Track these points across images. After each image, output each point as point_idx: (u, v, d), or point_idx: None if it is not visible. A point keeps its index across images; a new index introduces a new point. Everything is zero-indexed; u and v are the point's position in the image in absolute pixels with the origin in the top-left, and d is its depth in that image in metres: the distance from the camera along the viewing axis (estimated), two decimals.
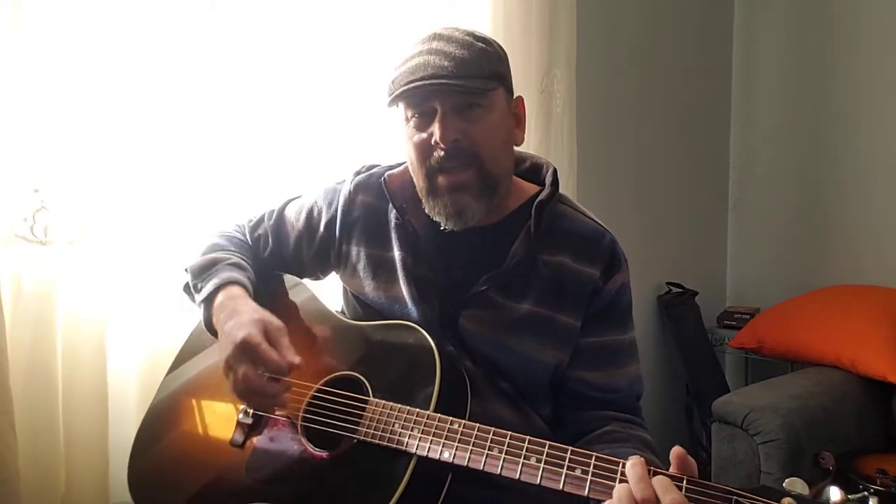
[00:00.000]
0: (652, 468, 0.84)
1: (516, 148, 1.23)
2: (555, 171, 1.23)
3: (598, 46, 2.48)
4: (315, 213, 1.30)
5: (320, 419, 1.10)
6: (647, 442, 1.12)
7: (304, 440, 1.09)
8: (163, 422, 1.22)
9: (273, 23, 1.72)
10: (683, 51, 2.88)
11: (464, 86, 1.07)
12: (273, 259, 1.34)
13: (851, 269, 2.71)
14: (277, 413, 1.13)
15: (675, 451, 0.85)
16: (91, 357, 1.45)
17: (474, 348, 1.15)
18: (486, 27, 1.96)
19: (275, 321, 1.11)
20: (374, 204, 1.25)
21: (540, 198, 1.18)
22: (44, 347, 1.40)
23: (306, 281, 1.35)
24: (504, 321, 1.15)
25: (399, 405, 1.04)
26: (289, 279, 1.33)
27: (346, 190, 1.27)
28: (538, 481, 0.91)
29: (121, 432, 1.44)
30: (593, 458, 0.89)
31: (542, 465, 0.91)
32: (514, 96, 1.20)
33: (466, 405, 1.06)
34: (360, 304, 1.27)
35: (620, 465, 0.87)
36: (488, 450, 0.95)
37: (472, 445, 0.96)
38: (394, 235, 1.21)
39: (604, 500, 0.86)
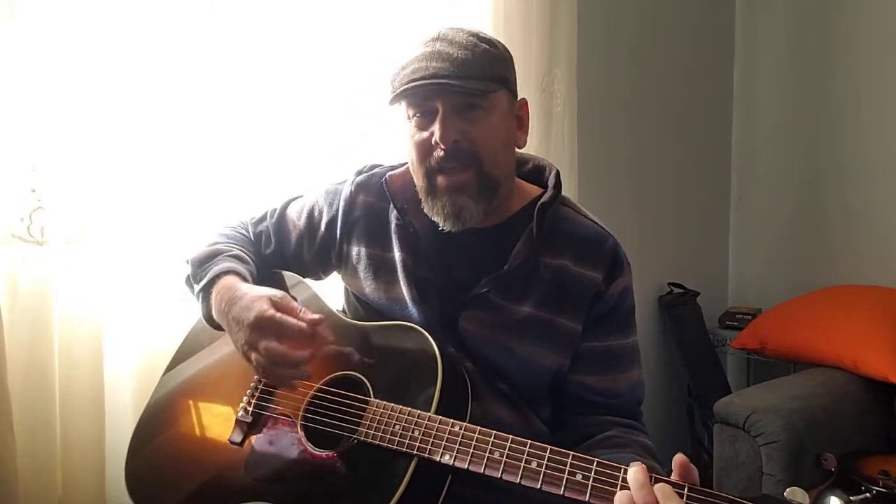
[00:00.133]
0: (654, 475, 0.83)
1: (518, 149, 1.23)
2: (557, 174, 1.23)
3: (598, 46, 2.47)
4: (316, 213, 1.30)
5: (320, 419, 1.09)
6: (648, 448, 1.11)
7: (303, 439, 1.09)
8: (160, 420, 1.22)
9: (273, 22, 1.72)
10: (684, 50, 2.87)
11: (464, 86, 1.07)
12: (275, 258, 1.33)
13: (853, 269, 2.70)
14: (278, 412, 1.13)
15: (678, 458, 0.85)
16: (88, 357, 1.44)
17: (474, 350, 1.15)
18: (487, 27, 1.95)
19: (277, 292, 1.11)
20: (375, 204, 1.25)
21: (542, 200, 1.17)
22: (41, 348, 1.40)
23: (308, 280, 1.34)
24: (504, 323, 1.14)
25: (400, 406, 1.03)
26: (290, 277, 1.33)
27: (347, 190, 1.27)
28: (539, 486, 0.90)
29: (118, 433, 1.43)
30: (595, 463, 0.89)
31: (543, 469, 0.91)
32: (518, 99, 1.19)
33: (467, 407, 1.05)
34: (360, 305, 1.26)
35: (622, 471, 0.87)
36: (489, 453, 0.95)
37: (473, 448, 0.96)
38: (394, 236, 1.21)
39: None
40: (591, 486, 0.87)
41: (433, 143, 1.10)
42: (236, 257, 1.24)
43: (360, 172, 1.30)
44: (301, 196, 1.36)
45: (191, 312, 1.32)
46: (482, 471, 0.94)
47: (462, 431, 0.98)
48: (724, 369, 2.89)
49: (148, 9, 1.52)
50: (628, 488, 0.83)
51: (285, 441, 1.10)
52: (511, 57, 1.18)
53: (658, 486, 0.81)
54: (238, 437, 1.12)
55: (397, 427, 1.01)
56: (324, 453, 1.07)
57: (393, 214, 1.22)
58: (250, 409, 1.13)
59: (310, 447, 1.08)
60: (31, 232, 1.38)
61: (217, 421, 1.17)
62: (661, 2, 2.78)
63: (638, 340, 1.23)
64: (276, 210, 1.36)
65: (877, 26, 2.65)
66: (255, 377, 1.17)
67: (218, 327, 1.18)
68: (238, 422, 1.13)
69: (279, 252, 1.33)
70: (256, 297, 1.09)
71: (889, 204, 2.64)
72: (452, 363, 1.09)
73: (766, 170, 3.00)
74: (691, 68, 2.89)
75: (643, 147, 2.72)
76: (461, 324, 1.15)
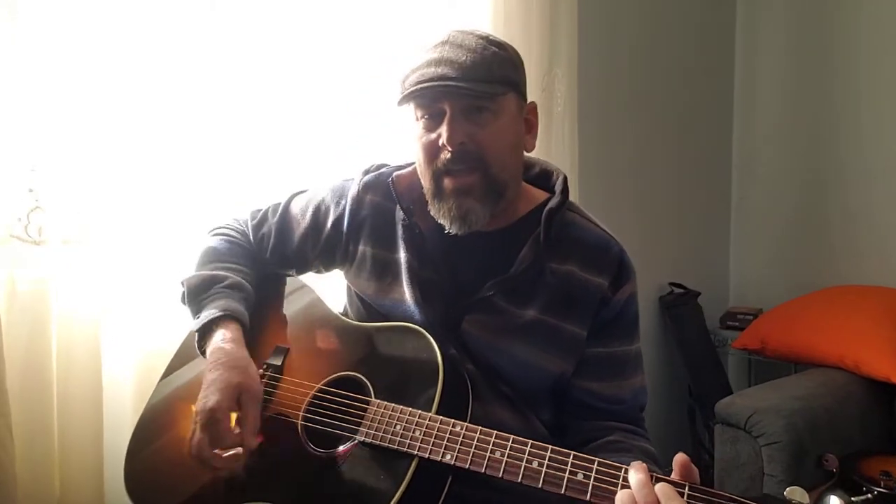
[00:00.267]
0: (654, 475, 0.83)
1: (527, 153, 1.22)
2: (565, 179, 1.23)
3: (598, 46, 2.47)
4: (322, 211, 1.29)
5: (321, 419, 1.09)
6: (650, 453, 1.11)
7: (304, 440, 1.09)
8: (159, 422, 1.22)
9: (273, 22, 1.71)
10: (684, 50, 2.87)
11: (472, 89, 1.07)
12: (274, 256, 1.33)
13: (855, 269, 2.70)
14: (278, 412, 1.13)
15: (679, 458, 0.85)
16: (86, 358, 1.44)
17: (476, 352, 1.15)
18: (487, 26, 1.95)
19: (252, 387, 1.09)
20: (382, 204, 1.25)
21: (550, 206, 1.17)
22: (39, 348, 1.40)
23: (309, 279, 1.34)
24: (508, 327, 1.14)
25: (401, 406, 1.03)
26: (292, 280, 1.33)
27: (354, 189, 1.26)
28: (540, 485, 0.90)
29: (116, 434, 1.42)
30: (595, 462, 0.89)
31: (543, 469, 0.91)
32: (528, 102, 1.19)
33: (468, 408, 1.05)
34: (363, 305, 1.26)
35: (623, 470, 0.87)
36: (490, 453, 0.95)
37: (474, 449, 0.96)
38: (400, 237, 1.21)
39: None
40: (592, 485, 0.87)
41: (440, 144, 1.10)
42: (235, 287, 1.22)
43: (367, 171, 1.29)
44: (305, 191, 1.35)
45: (188, 314, 1.31)
46: (483, 471, 0.94)
47: (463, 431, 0.98)
48: (725, 370, 2.89)
49: (148, 9, 1.51)
50: (629, 488, 0.83)
51: (286, 441, 1.10)
52: (521, 60, 1.17)
53: (659, 486, 0.81)
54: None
55: (398, 427, 1.01)
56: (324, 453, 1.07)
57: (399, 215, 1.21)
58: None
59: (310, 447, 1.08)
60: (29, 232, 1.38)
61: None
62: (662, 2, 2.78)
63: (641, 346, 1.23)
64: (279, 206, 1.34)
65: (877, 26, 2.65)
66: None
67: (205, 354, 1.17)
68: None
69: (280, 250, 1.32)
70: (230, 384, 1.07)
71: (890, 204, 2.63)
72: (454, 364, 1.08)
73: (766, 170, 3.00)
74: (691, 68, 2.89)
75: (643, 147, 2.72)
76: (464, 326, 1.15)
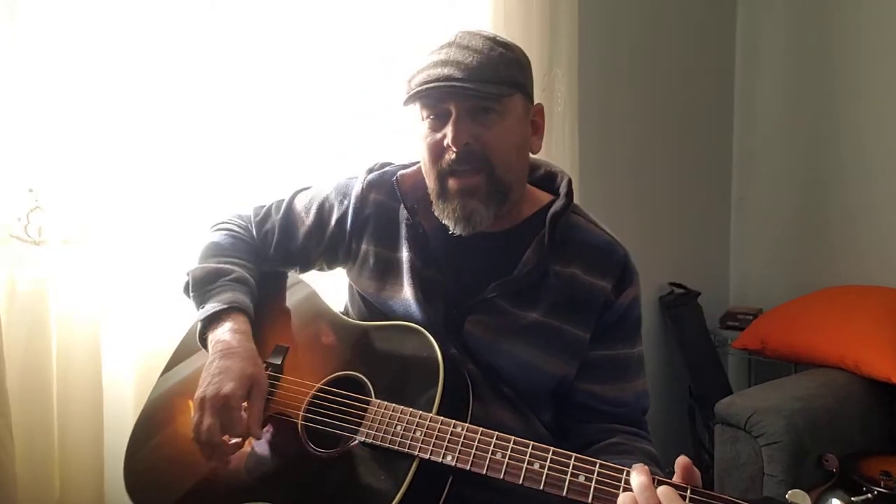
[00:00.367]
0: (656, 477, 0.83)
1: (533, 155, 1.22)
2: (569, 182, 1.22)
3: (598, 46, 2.47)
4: (326, 208, 1.28)
5: (321, 419, 1.09)
6: (652, 455, 1.11)
7: (304, 439, 1.09)
8: (159, 419, 1.21)
9: (272, 22, 1.71)
10: (685, 50, 2.87)
11: (478, 90, 1.06)
12: (278, 253, 1.32)
13: (855, 269, 2.69)
14: (278, 411, 1.12)
15: (681, 460, 0.85)
16: (86, 358, 1.44)
17: (477, 353, 1.14)
18: (487, 26, 1.94)
19: (262, 381, 1.10)
20: (385, 202, 1.24)
21: (555, 209, 1.17)
22: (38, 348, 1.39)
23: (311, 277, 1.33)
24: (510, 328, 1.14)
25: (401, 407, 1.03)
26: (292, 278, 1.32)
27: (358, 187, 1.26)
28: (541, 487, 0.90)
29: (116, 434, 1.42)
30: (597, 465, 0.89)
31: (545, 471, 0.91)
32: (535, 104, 1.18)
33: (468, 408, 1.05)
34: (365, 304, 1.26)
35: (625, 473, 0.86)
36: (491, 454, 0.94)
37: (475, 450, 0.96)
38: (404, 236, 1.20)
39: None
40: (594, 487, 0.87)
41: (445, 145, 1.10)
42: (240, 281, 1.22)
43: (371, 170, 1.28)
44: (308, 188, 1.35)
45: (189, 313, 1.31)
46: (484, 472, 0.94)
47: (464, 432, 0.97)
48: (726, 370, 2.88)
49: (147, 9, 1.51)
50: (631, 490, 0.83)
51: (286, 441, 1.10)
52: (528, 61, 1.17)
53: (661, 489, 0.81)
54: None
55: (399, 427, 1.01)
56: (325, 453, 1.06)
57: (403, 214, 1.21)
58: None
59: (310, 447, 1.08)
60: (29, 232, 1.38)
61: None
62: (661, 2, 2.78)
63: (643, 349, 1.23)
64: (283, 203, 1.34)
65: (877, 26, 2.65)
66: None
67: (207, 349, 1.16)
68: None
69: (283, 246, 1.31)
70: (243, 373, 1.08)
71: (890, 204, 2.63)
72: (454, 364, 1.08)
73: (767, 169, 3.00)
74: (691, 68, 2.89)
75: (643, 147, 2.72)
76: (466, 327, 1.15)
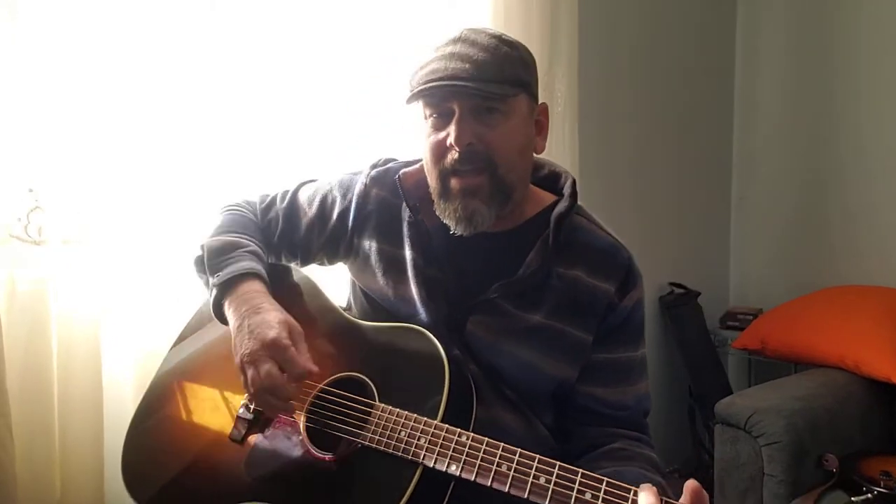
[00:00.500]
0: (664, 498, 0.83)
1: (536, 155, 1.20)
2: (574, 183, 1.21)
3: (598, 46, 2.46)
4: (329, 202, 1.28)
5: (324, 420, 1.08)
6: (653, 462, 1.11)
7: (306, 440, 1.08)
8: (162, 408, 1.21)
9: (272, 23, 1.71)
10: (686, 50, 2.87)
11: (481, 90, 1.05)
12: (281, 243, 1.31)
13: (855, 269, 2.69)
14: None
15: (690, 484, 0.85)
16: (86, 358, 1.44)
17: (479, 354, 1.14)
18: (487, 25, 1.94)
19: (297, 325, 1.11)
20: (388, 199, 1.23)
21: (560, 210, 1.16)
22: (39, 348, 1.40)
23: (313, 269, 1.33)
24: (512, 330, 1.13)
25: (406, 412, 1.02)
26: (297, 272, 1.31)
27: (361, 183, 1.25)
28: (546, 502, 0.89)
29: (116, 434, 1.41)
30: (604, 483, 0.88)
31: (551, 486, 0.90)
32: (539, 103, 1.17)
33: (472, 412, 1.05)
34: (367, 301, 1.25)
35: (632, 492, 0.86)
36: (497, 466, 0.94)
37: (480, 461, 0.95)
38: (406, 234, 1.20)
39: None
40: None
41: (448, 144, 1.09)
42: (255, 254, 1.21)
43: (374, 166, 1.28)
44: (313, 180, 1.34)
45: (189, 312, 1.31)
46: (489, 484, 0.93)
47: (469, 442, 0.97)
48: (726, 370, 2.88)
49: (147, 9, 1.51)
50: None
51: (287, 441, 1.10)
52: (533, 60, 1.15)
53: None
54: (238, 435, 1.11)
55: (403, 434, 1.00)
56: (327, 456, 1.06)
57: (405, 212, 1.20)
58: (252, 406, 1.12)
59: (312, 449, 1.07)
60: (29, 232, 1.38)
61: (216, 416, 1.16)
62: (661, 2, 2.78)
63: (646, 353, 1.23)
64: (287, 193, 1.33)
65: (877, 26, 2.64)
66: None
67: (222, 319, 1.15)
68: (239, 419, 1.12)
69: (287, 237, 1.30)
70: (280, 319, 1.08)
71: (890, 203, 2.63)
72: (459, 369, 1.07)
73: (767, 169, 2.99)
74: (691, 68, 2.89)
75: (644, 147, 2.72)
76: (468, 327, 1.14)
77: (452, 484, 0.98)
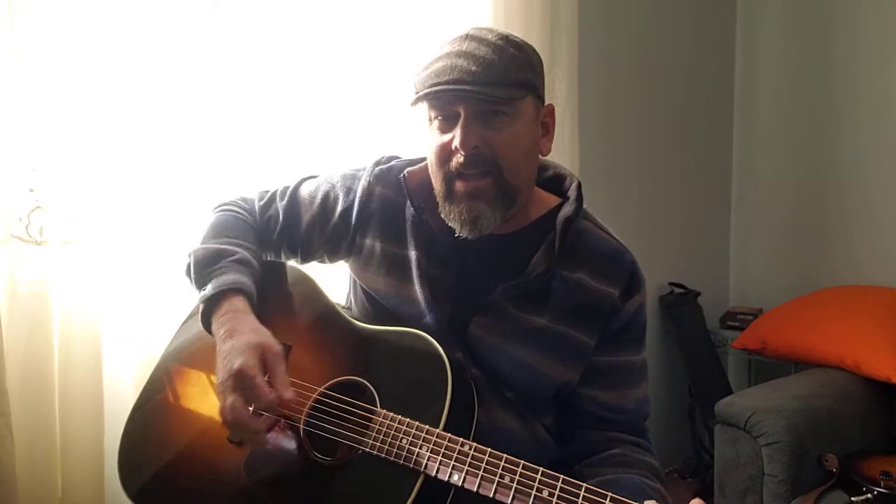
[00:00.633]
0: None
1: (542, 157, 1.20)
2: (579, 186, 1.20)
3: (599, 46, 2.47)
4: (331, 199, 1.26)
5: (324, 425, 1.08)
6: (653, 468, 1.11)
7: (306, 445, 1.07)
8: (158, 395, 1.20)
9: (271, 23, 1.71)
10: (686, 49, 2.87)
11: (487, 94, 1.04)
12: (281, 239, 1.29)
13: (855, 269, 2.69)
14: (279, 414, 1.11)
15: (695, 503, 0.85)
16: (87, 358, 1.44)
17: (481, 356, 1.14)
18: (487, 25, 1.94)
19: (274, 346, 1.06)
20: (392, 198, 1.22)
21: (567, 214, 1.15)
22: (39, 348, 1.39)
23: (313, 269, 1.32)
24: (515, 332, 1.13)
25: (408, 419, 1.02)
26: (296, 270, 1.30)
27: (365, 180, 1.24)
28: None
29: (117, 434, 1.41)
30: (608, 499, 0.88)
31: (554, 500, 0.90)
32: (545, 104, 1.16)
33: (473, 418, 1.04)
34: (368, 300, 1.24)
35: None
36: (500, 477, 0.93)
37: (483, 472, 0.95)
38: (410, 233, 1.19)
39: None
40: None
41: (453, 148, 1.08)
42: (241, 262, 1.19)
43: (378, 163, 1.26)
44: (314, 176, 1.32)
45: (189, 310, 1.31)
46: (492, 495, 0.93)
47: (472, 452, 0.96)
48: (726, 369, 2.88)
49: (148, 9, 1.51)
50: None
51: (286, 445, 1.09)
52: (540, 61, 1.14)
53: None
54: (237, 437, 1.10)
55: (404, 441, 1.00)
56: (327, 461, 1.05)
57: (409, 212, 1.20)
58: (251, 409, 1.12)
59: (312, 454, 1.06)
60: (30, 232, 1.38)
61: (216, 415, 1.15)
62: (662, 2, 2.78)
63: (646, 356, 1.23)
64: (287, 189, 1.31)
65: (877, 26, 2.64)
66: None
67: (210, 330, 1.14)
68: None
69: (287, 234, 1.29)
70: (251, 344, 1.04)
71: (890, 204, 2.63)
72: (461, 374, 1.07)
73: (767, 169, 2.99)
74: (693, 67, 2.89)
75: (644, 147, 2.72)
76: (471, 329, 1.14)
77: (452, 493, 0.98)
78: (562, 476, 0.91)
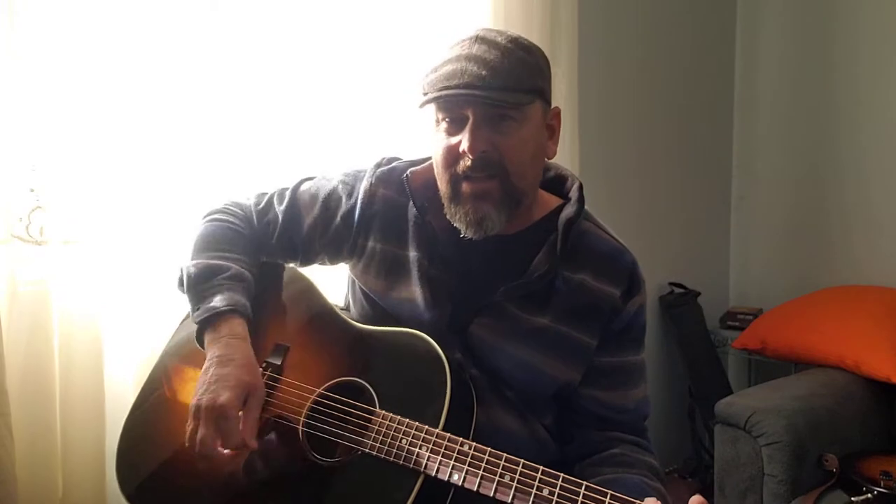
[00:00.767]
0: None
1: (547, 160, 1.20)
2: (581, 186, 1.20)
3: (599, 46, 2.46)
4: (333, 200, 1.25)
5: (323, 426, 1.08)
6: (653, 468, 1.11)
7: (305, 445, 1.07)
8: (156, 416, 1.19)
9: (270, 23, 1.71)
10: (686, 49, 2.87)
11: (496, 99, 1.04)
12: (280, 243, 1.28)
13: (855, 269, 2.69)
14: (279, 415, 1.11)
15: (695, 499, 0.85)
16: (87, 357, 1.44)
17: (482, 356, 1.14)
18: (487, 25, 1.94)
19: (259, 390, 1.08)
20: (394, 199, 1.22)
21: (569, 215, 1.15)
22: (40, 348, 1.40)
23: (313, 271, 1.31)
24: (516, 332, 1.13)
25: (407, 420, 1.02)
26: (294, 273, 1.29)
27: (366, 182, 1.23)
28: None
29: (118, 434, 1.42)
30: (608, 496, 0.88)
31: (554, 498, 0.90)
32: (552, 107, 1.16)
33: (472, 418, 1.04)
34: (367, 301, 1.24)
35: None
36: (500, 476, 0.93)
37: (483, 471, 0.95)
38: (412, 234, 1.19)
39: None
40: None
41: (461, 151, 1.08)
42: (236, 278, 1.18)
43: (379, 165, 1.26)
44: (313, 177, 1.31)
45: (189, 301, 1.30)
46: (492, 494, 0.93)
47: (472, 451, 0.96)
48: (725, 369, 2.88)
49: (149, 8, 1.51)
50: None
51: (286, 445, 1.09)
52: (548, 63, 1.14)
53: None
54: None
55: (404, 441, 1.00)
56: (326, 462, 1.05)
57: (412, 212, 1.19)
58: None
59: (311, 454, 1.06)
60: (30, 232, 1.38)
61: None
62: (662, 2, 2.78)
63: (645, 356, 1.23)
64: (285, 193, 1.30)
65: (878, 26, 2.64)
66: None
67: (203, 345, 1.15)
68: None
69: (287, 236, 1.28)
70: (241, 382, 1.06)
71: (890, 204, 2.63)
72: (460, 375, 1.07)
73: (767, 169, 2.99)
74: (693, 67, 2.89)
75: (644, 147, 2.72)
76: (472, 329, 1.14)
77: (452, 493, 0.98)
78: (562, 475, 0.91)
